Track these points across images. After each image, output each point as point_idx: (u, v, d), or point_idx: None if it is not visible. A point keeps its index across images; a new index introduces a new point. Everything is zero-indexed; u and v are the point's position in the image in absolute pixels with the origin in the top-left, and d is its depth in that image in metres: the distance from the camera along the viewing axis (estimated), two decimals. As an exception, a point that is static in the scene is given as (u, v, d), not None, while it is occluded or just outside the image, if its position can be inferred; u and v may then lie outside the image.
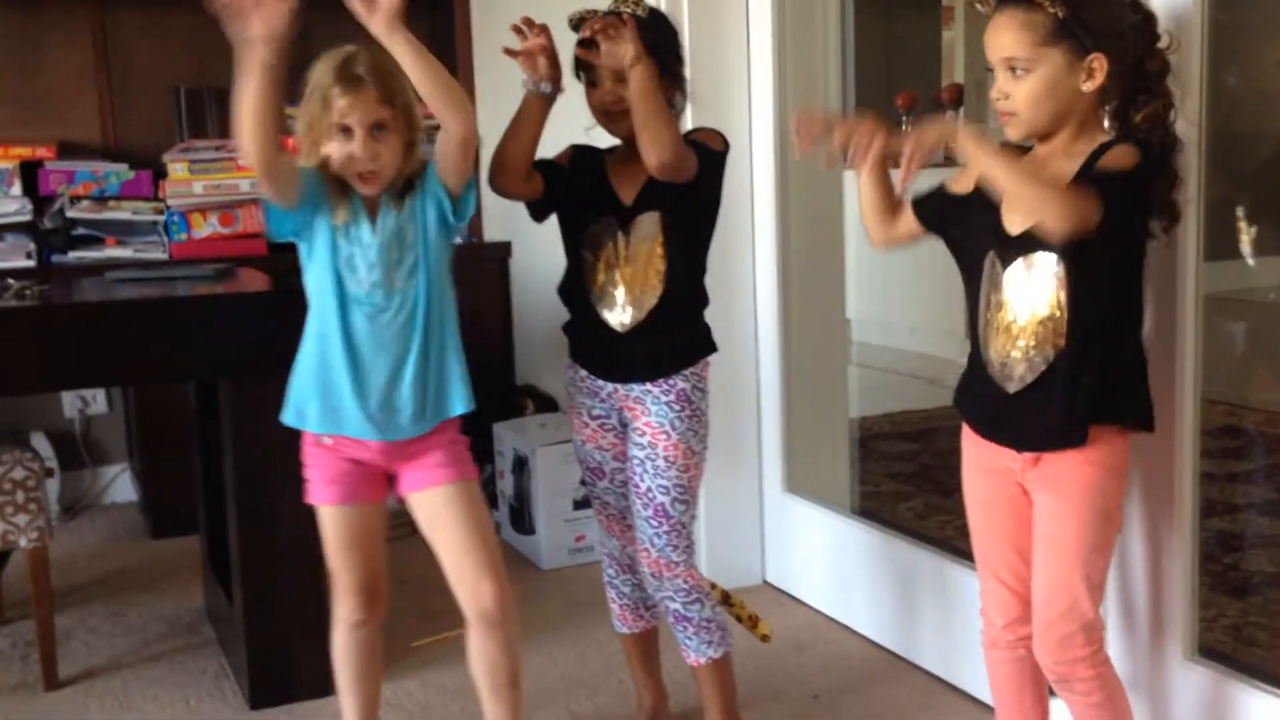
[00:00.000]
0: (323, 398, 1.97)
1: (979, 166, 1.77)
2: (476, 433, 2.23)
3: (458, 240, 2.08)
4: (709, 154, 2.14)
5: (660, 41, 2.10)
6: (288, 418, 2.01)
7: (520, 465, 3.46)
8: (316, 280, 1.97)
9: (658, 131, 2.03)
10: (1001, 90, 1.78)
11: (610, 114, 2.12)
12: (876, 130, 1.89)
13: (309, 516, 2.59)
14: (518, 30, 2.10)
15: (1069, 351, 1.77)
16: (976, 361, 1.89)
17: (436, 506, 2.02)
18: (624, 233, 2.15)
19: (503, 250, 4.08)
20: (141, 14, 4.02)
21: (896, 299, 5.64)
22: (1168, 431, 2.02)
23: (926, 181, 1.97)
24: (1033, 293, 1.79)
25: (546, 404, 3.85)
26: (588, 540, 3.35)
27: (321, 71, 1.89)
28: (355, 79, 1.86)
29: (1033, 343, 1.79)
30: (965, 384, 1.94)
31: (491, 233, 4.17)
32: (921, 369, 5.27)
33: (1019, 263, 1.81)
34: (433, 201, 1.95)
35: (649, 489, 2.19)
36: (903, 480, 3.97)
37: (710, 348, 2.25)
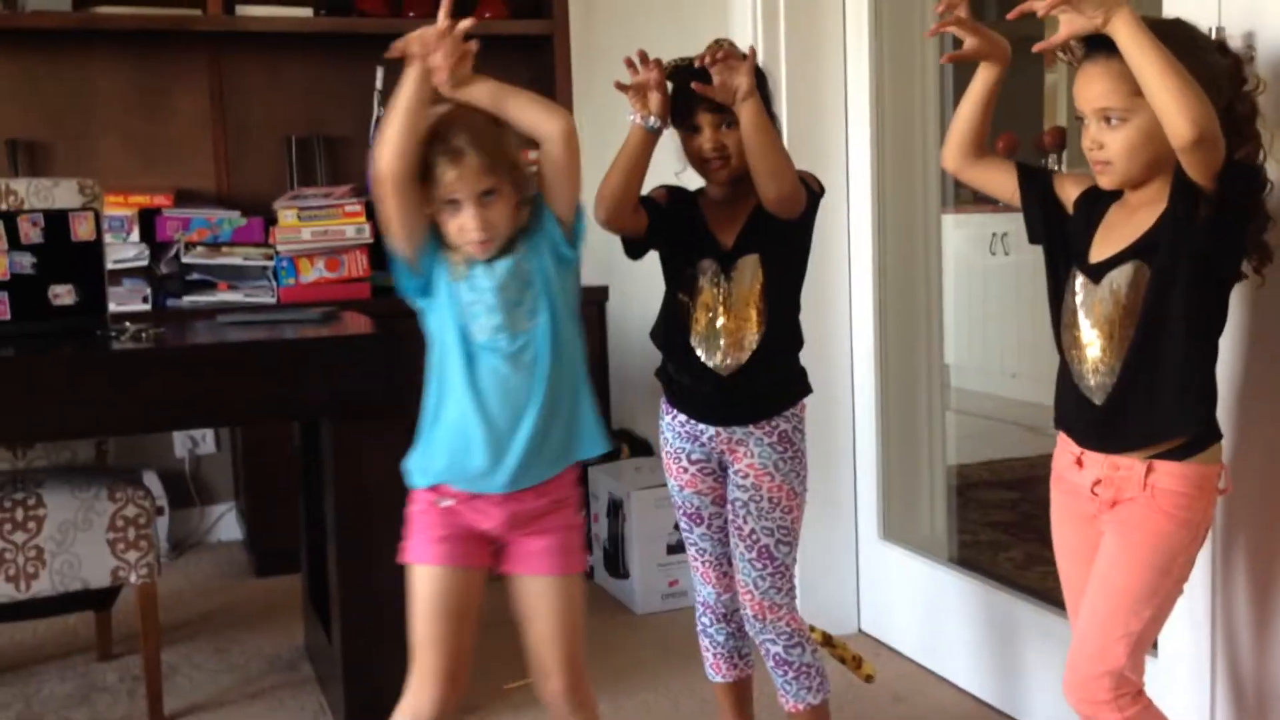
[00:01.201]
0: (451, 453, 1.90)
1: (1127, 48, 1.65)
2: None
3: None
4: (811, 194, 2.15)
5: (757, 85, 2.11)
6: (415, 480, 1.95)
7: (615, 509, 3.47)
8: (440, 334, 1.91)
9: (776, 163, 2.03)
10: (1095, 140, 1.76)
11: (709, 160, 2.13)
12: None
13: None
14: (630, 64, 2.11)
15: (1143, 359, 1.75)
16: (1065, 375, 1.86)
17: (532, 595, 1.97)
18: (725, 275, 2.16)
19: (600, 294, 4.10)
20: (257, 66, 4.15)
21: (996, 344, 5.55)
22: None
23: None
24: (1110, 306, 1.77)
25: (641, 448, 3.86)
26: (681, 585, 3.34)
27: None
28: (456, 151, 1.81)
29: (1110, 356, 1.77)
30: (1059, 400, 1.91)
31: (589, 277, 4.18)
32: (1022, 416, 5.15)
33: (1104, 281, 1.79)
34: (545, 236, 1.90)
35: (752, 531, 2.19)
36: (1002, 530, 3.89)
37: (808, 389, 2.25)
